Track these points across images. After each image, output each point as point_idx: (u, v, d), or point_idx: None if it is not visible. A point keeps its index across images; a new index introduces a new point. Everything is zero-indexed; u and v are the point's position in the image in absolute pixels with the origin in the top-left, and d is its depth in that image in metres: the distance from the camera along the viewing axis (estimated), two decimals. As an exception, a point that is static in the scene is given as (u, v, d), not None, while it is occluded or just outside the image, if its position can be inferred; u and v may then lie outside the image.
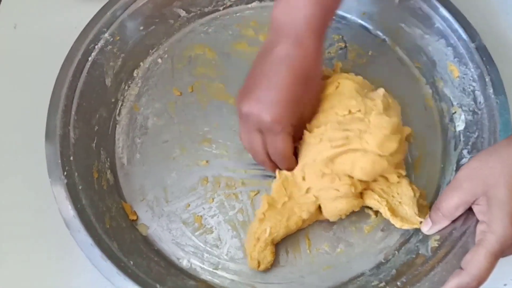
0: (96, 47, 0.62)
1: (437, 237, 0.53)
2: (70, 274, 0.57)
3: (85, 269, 0.54)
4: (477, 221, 0.50)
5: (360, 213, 0.58)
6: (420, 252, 0.53)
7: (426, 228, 0.54)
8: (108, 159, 0.62)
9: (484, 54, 0.59)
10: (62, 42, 0.62)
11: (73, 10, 0.71)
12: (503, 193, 0.47)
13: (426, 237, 0.54)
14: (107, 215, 0.56)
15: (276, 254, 0.57)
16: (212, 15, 0.71)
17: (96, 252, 0.50)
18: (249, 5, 0.71)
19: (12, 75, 0.68)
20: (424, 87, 0.66)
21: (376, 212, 0.59)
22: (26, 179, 0.61)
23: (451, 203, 0.51)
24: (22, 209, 0.60)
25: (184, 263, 0.57)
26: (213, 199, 0.60)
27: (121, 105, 0.66)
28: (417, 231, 0.57)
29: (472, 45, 0.59)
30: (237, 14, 0.71)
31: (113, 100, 0.65)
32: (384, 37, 0.69)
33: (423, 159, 0.62)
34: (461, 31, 0.60)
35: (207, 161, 0.62)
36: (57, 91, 0.59)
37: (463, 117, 0.60)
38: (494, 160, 0.49)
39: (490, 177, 0.48)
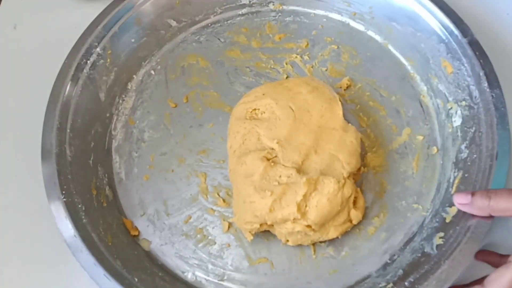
0: (88, 62, 0.62)
1: (442, 234, 0.52)
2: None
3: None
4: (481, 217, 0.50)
5: (363, 215, 0.58)
6: (425, 250, 0.53)
7: (461, 201, 0.51)
8: (106, 175, 0.61)
9: (477, 49, 0.59)
10: (62, 42, 0.62)
11: (73, 10, 0.72)
12: None
13: (431, 235, 0.54)
14: (109, 232, 0.55)
15: (281, 261, 0.57)
16: (203, 24, 0.71)
17: (100, 271, 0.50)
18: (240, 12, 0.71)
19: (12, 75, 0.68)
20: (419, 84, 0.65)
21: (379, 214, 0.59)
22: (24, 193, 0.61)
23: (506, 205, 0.48)
24: (21, 228, 0.59)
25: (189, 276, 0.56)
26: (213, 209, 0.60)
27: (116, 119, 0.65)
28: (421, 228, 0.57)
29: (464, 40, 0.59)
30: (228, 21, 0.71)
31: (107, 114, 0.64)
32: (376, 36, 0.69)
33: (422, 157, 0.61)
34: (452, 26, 0.60)
35: (205, 171, 0.62)
36: (51, 108, 0.58)
37: (459, 112, 0.60)
38: None
39: None
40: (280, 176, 0.55)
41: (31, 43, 0.70)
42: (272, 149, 0.57)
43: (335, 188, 0.53)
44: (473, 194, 0.50)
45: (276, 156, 0.56)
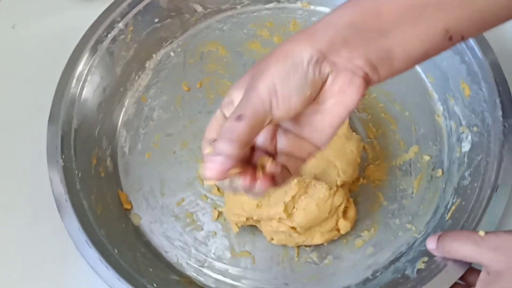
0: (109, 35, 0.63)
1: (426, 259, 0.51)
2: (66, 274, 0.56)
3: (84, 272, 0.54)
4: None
5: (353, 226, 0.57)
6: (406, 272, 0.51)
7: (429, 246, 0.50)
8: (110, 147, 0.63)
9: (497, 74, 0.56)
10: (61, 42, 0.62)
11: (72, 10, 0.70)
12: None
13: (416, 258, 0.53)
14: (100, 202, 0.56)
15: (263, 258, 0.57)
16: (229, 13, 0.71)
17: (82, 237, 0.51)
18: (267, 6, 0.71)
19: (11, 76, 0.67)
20: (436, 103, 0.64)
21: (370, 228, 0.58)
22: (23, 177, 0.61)
23: (463, 250, 0.46)
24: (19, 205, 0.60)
25: (171, 257, 0.57)
26: (207, 196, 0.60)
27: (130, 94, 0.66)
28: (409, 250, 0.55)
29: (486, 64, 0.57)
30: (254, 14, 0.71)
31: (121, 89, 0.66)
32: (400, 48, 0.67)
33: (425, 178, 0.60)
34: (476, 48, 0.58)
35: (206, 158, 0.62)
36: (65, 76, 0.60)
37: (469, 137, 0.58)
38: None
39: None
40: None
41: (30, 43, 0.69)
42: None
43: (325, 194, 0.53)
44: (439, 237, 0.48)
45: None
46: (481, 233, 0.45)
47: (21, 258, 0.57)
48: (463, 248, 0.46)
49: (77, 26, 0.63)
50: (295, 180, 0.53)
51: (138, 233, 0.58)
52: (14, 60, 0.68)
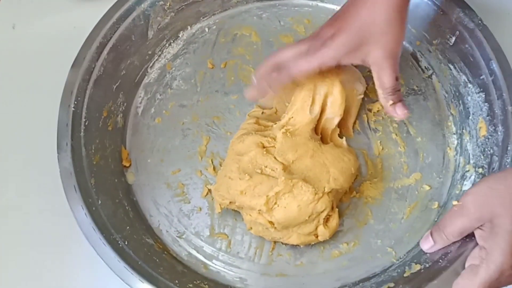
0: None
1: (392, 285, 0.50)
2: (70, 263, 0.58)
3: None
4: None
5: (334, 236, 0.57)
6: (369, 293, 0.51)
7: (427, 246, 0.53)
8: (125, 104, 0.65)
9: (518, 121, 0.54)
10: (61, 42, 0.63)
11: (72, 10, 0.70)
12: (509, 223, 0.46)
13: (384, 282, 0.52)
14: (99, 153, 0.59)
15: (239, 244, 0.58)
16: (271, 2, 0.71)
17: (72, 181, 0.54)
18: (310, 3, 0.71)
19: (11, 76, 0.67)
20: (451, 136, 0.62)
21: (350, 242, 0.57)
22: (22, 176, 0.62)
23: (456, 228, 0.49)
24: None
25: (153, 221, 0.59)
26: (202, 172, 0.61)
27: (156, 59, 0.68)
28: (382, 273, 0.55)
29: (509, 108, 0.55)
30: (295, 8, 0.71)
31: (150, 52, 0.67)
32: (430, 73, 0.65)
33: (419, 207, 0.59)
34: (504, 89, 0.56)
35: (210, 136, 0.63)
36: (100, 25, 0.62)
37: (472, 178, 0.56)
38: (505, 189, 0.47)
39: (498, 205, 0.47)
40: (266, 167, 0.55)
41: (30, 43, 0.69)
42: (274, 139, 0.57)
43: (309, 198, 0.53)
44: (431, 233, 0.52)
45: (273, 146, 0.56)
46: (454, 202, 0.49)
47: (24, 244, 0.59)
48: (455, 226, 0.49)
49: (77, 26, 0.63)
50: (283, 177, 0.53)
51: (128, 191, 0.60)
52: (14, 60, 0.68)
